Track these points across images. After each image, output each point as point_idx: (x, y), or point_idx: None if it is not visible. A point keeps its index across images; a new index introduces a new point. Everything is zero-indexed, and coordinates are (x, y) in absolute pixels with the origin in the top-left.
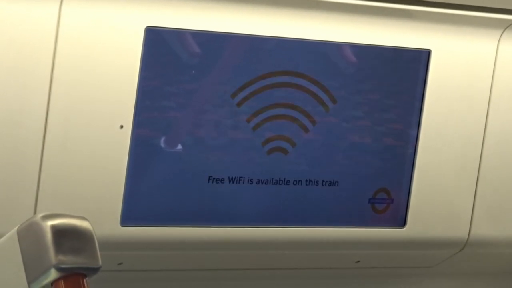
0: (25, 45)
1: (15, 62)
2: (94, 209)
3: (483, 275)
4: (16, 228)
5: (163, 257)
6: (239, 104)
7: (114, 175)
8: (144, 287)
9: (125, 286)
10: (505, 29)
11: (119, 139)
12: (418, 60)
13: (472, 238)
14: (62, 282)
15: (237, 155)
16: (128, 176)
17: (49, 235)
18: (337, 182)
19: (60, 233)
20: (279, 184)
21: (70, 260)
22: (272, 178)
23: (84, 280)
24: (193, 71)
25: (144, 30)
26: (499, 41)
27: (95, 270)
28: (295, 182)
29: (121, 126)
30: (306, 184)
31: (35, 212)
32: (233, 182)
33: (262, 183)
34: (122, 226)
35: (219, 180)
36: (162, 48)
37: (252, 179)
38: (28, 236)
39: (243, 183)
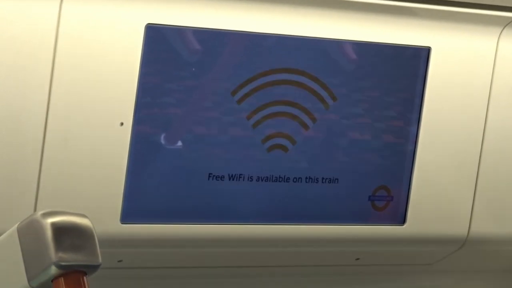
0: (26, 42)
1: (16, 59)
2: (94, 207)
3: (482, 272)
4: (16, 225)
5: (163, 254)
6: (239, 101)
7: (114, 172)
8: (144, 284)
9: (125, 283)
10: (505, 26)
11: (119, 136)
12: (418, 57)
13: (471, 235)
14: (62, 279)
15: (237, 152)
16: (128, 173)
17: (49, 233)
18: (337, 179)
19: (60, 230)
20: (279, 181)
21: (70, 258)
22: (272, 176)
23: (84, 277)
24: (193, 69)
25: (145, 28)
26: (499, 38)
27: (95, 267)
28: (295, 180)
29: (121, 123)
30: (306, 182)
31: (35, 210)
32: (233, 180)
33: (262, 180)
34: (122, 224)
35: (219, 177)
36: (163, 46)
37: (252, 176)
38: (28, 233)
39: (243, 180)
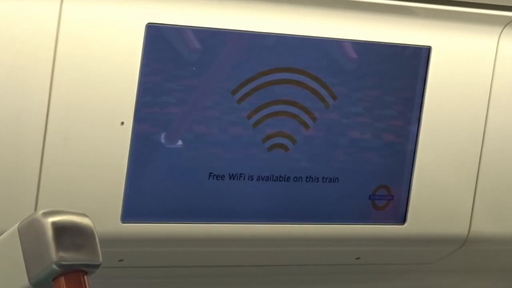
0: (26, 42)
1: (16, 59)
2: (95, 206)
3: (483, 272)
4: (17, 225)
5: (163, 253)
6: (239, 101)
7: (115, 171)
8: (145, 283)
9: (126, 282)
10: (506, 26)
11: (120, 135)
12: (419, 57)
13: (472, 234)
14: (63, 279)
15: (237, 151)
16: (128, 172)
17: (50, 232)
18: (338, 178)
19: (61, 230)
20: (280, 180)
21: (71, 257)
22: (273, 175)
23: (85, 276)
24: (194, 68)
25: (145, 27)
26: (499, 37)
27: (96, 266)
28: (295, 179)
29: (122, 123)
30: (307, 181)
31: (36, 209)
32: (233, 179)
33: (262, 179)
34: (122, 223)
35: (219, 176)
36: (163, 45)
37: (252, 175)
38: (29, 233)
39: (244, 179)
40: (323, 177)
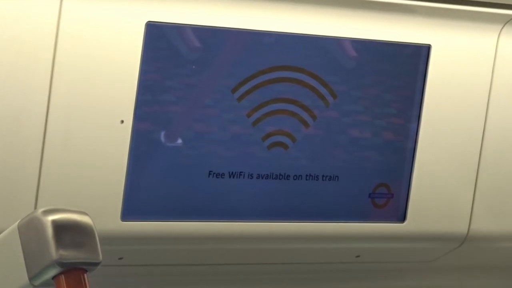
0: (26, 41)
1: (16, 57)
2: (95, 204)
3: (482, 270)
4: (16, 223)
5: (163, 252)
6: (239, 99)
7: (115, 170)
8: (145, 281)
9: (126, 280)
10: (505, 24)
11: (120, 134)
12: (418, 55)
13: (471, 232)
14: (63, 277)
15: (237, 150)
16: (128, 171)
17: (49, 230)
18: (337, 177)
19: (61, 228)
20: (279, 179)
21: (71, 255)
22: (272, 173)
23: (85, 275)
24: (194, 66)
25: (145, 25)
26: (499, 36)
27: (95, 265)
28: (295, 177)
29: (122, 121)
30: (306, 179)
31: (35, 207)
32: (233, 177)
33: (262, 178)
34: (122, 221)
35: (219, 175)
36: (163, 43)
37: (252, 174)
38: (29, 231)
39: (243, 178)
40: (323, 175)
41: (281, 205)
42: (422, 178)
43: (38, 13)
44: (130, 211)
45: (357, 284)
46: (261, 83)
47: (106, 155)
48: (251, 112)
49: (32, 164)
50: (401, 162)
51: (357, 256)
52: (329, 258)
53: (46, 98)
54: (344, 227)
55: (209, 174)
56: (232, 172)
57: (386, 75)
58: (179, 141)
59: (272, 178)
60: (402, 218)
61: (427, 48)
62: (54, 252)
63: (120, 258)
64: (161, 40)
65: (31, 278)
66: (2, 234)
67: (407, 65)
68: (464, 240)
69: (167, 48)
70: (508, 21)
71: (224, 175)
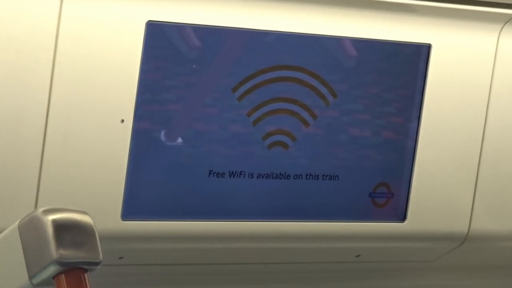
0: (26, 40)
1: (16, 56)
2: (95, 203)
3: (483, 269)
4: (17, 222)
5: (164, 251)
6: (239, 98)
7: (115, 169)
8: (145, 281)
9: (126, 280)
10: (505, 23)
11: (120, 133)
12: (419, 55)
13: (472, 232)
14: (63, 277)
15: (237, 149)
16: (129, 170)
17: (50, 230)
18: (338, 176)
19: (61, 227)
20: (280, 178)
21: (71, 255)
22: (273, 173)
23: (85, 274)
24: (194, 65)
25: (145, 25)
26: (499, 35)
27: (96, 264)
28: (295, 177)
29: (122, 120)
30: (307, 179)
31: (36, 207)
32: (233, 177)
33: (262, 177)
34: (123, 220)
35: (219, 174)
36: (163, 42)
37: (252, 173)
38: (29, 230)
39: (244, 177)
40: (323, 175)
41: (281, 205)
42: (422, 177)
43: (38, 12)
44: (130, 210)
45: (357, 284)
46: (261, 82)
47: (107, 155)
48: (252, 111)
49: (32, 163)
50: (401, 161)
51: (357, 256)
52: (329, 258)
53: (47, 97)
54: (344, 226)
55: (210, 173)
56: (233, 172)
57: (386, 74)
58: (180, 140)
59: (272, 178)
60: (402, 217)
61: (428, 47)
62: (54, 252)
63: (121, 258)
64: (161, 39)
65: (31, 278)
66: (2, 234)
67: (407, 65)
68: (464, 240)
69: (167, 48)
70: (508, 20)
71: (224, 174)
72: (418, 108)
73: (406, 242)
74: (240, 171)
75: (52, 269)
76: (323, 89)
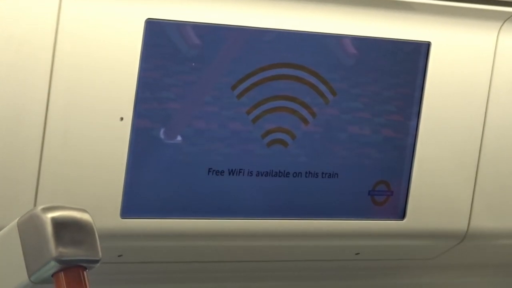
0: (26, 37)
1: (16, 52)
2: (94, 201)
3: (482, 267)
4: (16, 220)
5: (163, 249)
6: (239, 96)
7: (114, 167)
8: (144, 279)
9: (125, 278)
10: (505, 21)
11: (119, 131)
12: (418, 52)
13: (471, 230)
14: (62, 274)
15: (237, 147)
16: (128, 168)
17: (49, 228)
18: (337, 174)
19: (61, 225)
20: (279, 176)
21: (71, 252)
22: (272, 170)
23: (84, 272)
24: (193, 63)
25: (144, 22)
26: (498, 33)
27: (95, 262)
28: (295, 174)
29: (121, 118)
30: (306, 176)
31: (35, 205)
32: (233, 174)
33: (262, 175)
34: (122, 218)
35: (219, 172)
36: (162, 40)
37: (252, 171)
38: (29, 228)
39: (243, 175)
40: (322, 173)
41: (280, 203)
42: (421, 175)
43: (38, 10)
44: (129, 208)
45: (357, 282)
46: (260, 80)
47: (106, 153)
48: (251, 109)
49: (31, 161)
50: (401, 159)
51: (357, 254)
52: (329, 256)
53: (46, 95)
54: (344, 224)
55: (209, 171)
56: (232, 169)
57: (386, 72)
58: (179, 138)
59: (272, 176)
60: (401, 215)
61: (427, 45)
62: (53, 250)
63: (120, 256)
64: (160, 37)
65: (30, 275)
66: (1, 232)
67: (407, 63)
68: (463, 238)
69: (166, 45)
70: (508, 18)
71: (223, 172)
72: (418, 106)
73: (405, 240)
74: (240, 169)
75: (51, 267)
76: (322, 87)
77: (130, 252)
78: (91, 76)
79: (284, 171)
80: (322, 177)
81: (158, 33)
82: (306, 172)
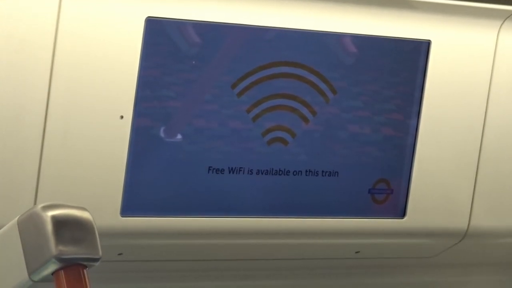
0: (25, 36)
1: (16, 50)
2: (94, 200)
3: (482, 265)
4: (16, 218)
5: (163, 247)
6: (239, 95)
7: (114, 165)
8: (144, 277)
9: (125, 276)
10: (505, 19)
11: (119, 129)
12: (418, 51)
13: (471, 228)
14: (62, 273)
15: (237, 145)
16: (128, 166)
17: (49, 226)
18: (337, 172)
19: (61, 223)
20: (279, 174)
21: (71, 251)
22: (272, 169)
23: (84, 270)
24: (193, 62)
25: (145, 21)
26: (499, 31)
27: (95, 260)
28: (295, 173)
29: (121, 117)
30: (306, 175)
31: (35, 203)
32: (233, 173)
33: (262, 173)
34: (122, 217)
35: (219, 170)
36: (163, 39)
37: (252, 169)
38: (29, 226)
39: (243, 173)
40: (322, 171)
41: (280, 201)
42: (422, 174)
43: (38, 8)
44: (129, 206)
45: (357, 280)
46: (260, 78)
47: (106, 151)
48: (251, 107)
49: (31, 159)
50: (401, 158)
51: (357, 252)
52: (329, 254)
53: (46, 93)
54: (344, 222)
55: (209, 169)
56: (232, 168)
57: (386, 71)
58: (179, 136)
59: (272, 174)
60: (402, 214)
61: (427, 43)
62: (53, 248)
63: (120, 254)
64: (161, 35)
65: (30, 274)
66: (1, 230)
67: (407, 61)
68: (464, 236)
69: (167, 44)
70: (508, 16)
71: (223, 170)
72: (418, 105)
73: (405, 238)
74: (240, 167)
75: (51, 265)
76: (322, 86)
77: (130, 250)
78: (91, 75)
79: (284, 169)
80: (322, 175)
81: (158, 32)
82: (306, 171)
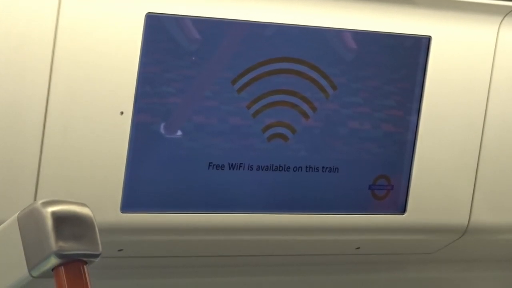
0: (25, 32)
1: (15, 47)
2: (95, 196)
3: (483, 261)
4: (16, 214)
5: (163, 243)
6: (239, 91)
7: (115, 161)
8: (144, 273)
9: (125, 272)
10: (506, 15)
11: (120, 125)
12: (418, 47)
13: (472, 224)
14: (63, 269)
15: (237, 141)
16: (128, 162)
17: (49, 222)
18: (337, 168)
19: (61, 219)
20: (279, 170)
21: (71, 247)
22: (272, 165)
23: (85, 266)
24: (193, 58)
25: (145, 17)
26: (499, 27)
27: (95, 256)
28: (295, 169)
29: (122, 113)
30: (306, 171)
31: (35, 199)
32: (233, 169)
33: (262, 169)
34: (122, 213)
35: (219, 166)
36: (163, 35)
37: (252, 165)
38: (29, 222)
39: (243, 169)
40: (322, 167)
41: (281, 197)
42: (422, 170)
43: (37, 5)
44: (129, 203)
45: (357, 276)
46: (261, 74)
47: (106, 147)
48: (251, 103)
49: (32, 155)
50: (401, 154)
51: (357, 248)
52: (329, 250)
53: (46, 89)
54: (344, 219)
55: (209, 165)
56: (232, 164)
57: (386, 67)
58: (179, 132)
59: (272, 170)
60: (402, 210)
61: (428, 39)
62: (53, 244)
63: (120, 250)
64: (161, 31)
65: (30, 270)
66: (1, 226)
67: (407, 57)
68: (464, 232)
69: (167, 40)
70: (509, 12)
71: (224, 166)
72: (418, 101)
73: (406, 234)
74: (240, 163)
75: (51, 261)
76: (322, 82)
77: (130, 246)
78: (91, 71)
79: (285, 165)
80: (323, 171)
81: (158, 28)
82: (306, 167)
